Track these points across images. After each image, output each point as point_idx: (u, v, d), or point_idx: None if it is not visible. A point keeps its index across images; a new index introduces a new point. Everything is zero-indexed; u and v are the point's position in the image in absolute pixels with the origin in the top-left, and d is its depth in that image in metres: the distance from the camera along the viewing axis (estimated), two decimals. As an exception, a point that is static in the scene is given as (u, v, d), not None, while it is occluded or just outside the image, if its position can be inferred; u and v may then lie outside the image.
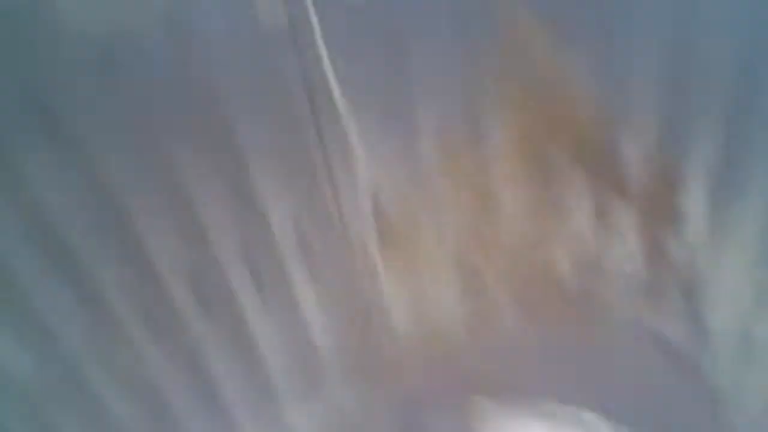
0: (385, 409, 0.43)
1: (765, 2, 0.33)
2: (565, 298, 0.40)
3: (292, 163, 0.37)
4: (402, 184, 0.38)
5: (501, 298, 0.41)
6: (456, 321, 0.42)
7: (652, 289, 0.39)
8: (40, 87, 0.31)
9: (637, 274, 0.39)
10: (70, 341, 0.35)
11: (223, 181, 0.36)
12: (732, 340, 0.38)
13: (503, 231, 0.39)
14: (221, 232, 0.37)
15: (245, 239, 0.38)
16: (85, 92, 0.32)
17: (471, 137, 0.37)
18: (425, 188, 0.38)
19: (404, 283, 0.41)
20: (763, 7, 0.33)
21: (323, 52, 0.34)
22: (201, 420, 0.39)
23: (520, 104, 0.36)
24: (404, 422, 0.43)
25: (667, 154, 0.37)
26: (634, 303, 0.40)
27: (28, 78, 0.31)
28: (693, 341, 0.40)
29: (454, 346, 0.42)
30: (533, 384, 0.41)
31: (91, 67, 0.31)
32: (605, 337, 0.41)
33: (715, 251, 0.38)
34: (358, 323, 0.41)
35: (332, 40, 0.34)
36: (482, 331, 0.42)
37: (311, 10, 0.32)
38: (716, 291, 0.38)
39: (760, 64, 0.34)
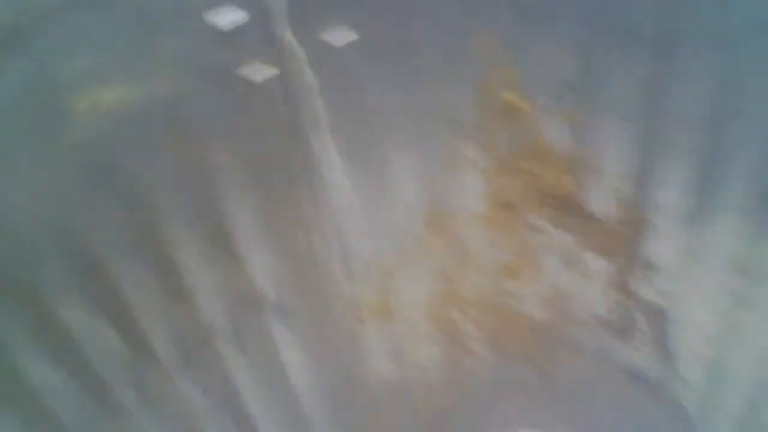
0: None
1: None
2: (538, 339, 0.42)
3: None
4: (383, 243, 0.39)
5: (475, 344, 0.42)
6: (434, 365, 0.43)
7: (621, 325, 0.42)
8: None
9: (607, 313, 0.42)
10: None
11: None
12: (701, 367, 0.40)
13: (477, 281, 0.41)
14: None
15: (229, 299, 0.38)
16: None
17: (452, 199, 0.39)
18: (405, 244, 0.40)
19: (383, 334, 0.42)
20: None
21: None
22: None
23: (501, 168, 0.38)
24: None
25: (634, 202, 0.39)
26: (605, 338, 0.42)
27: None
28: (663, 370, 0.42)
29: (433, 390, 0.43)
30: (512, 419, 0.42)
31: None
32: (578, 372, 0.42)
33: (682, 286, 0.40)
34: (341, 374, 0.42)
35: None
36: (458, 373, 0.43)
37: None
38: (684, 323, 0.40)
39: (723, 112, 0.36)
